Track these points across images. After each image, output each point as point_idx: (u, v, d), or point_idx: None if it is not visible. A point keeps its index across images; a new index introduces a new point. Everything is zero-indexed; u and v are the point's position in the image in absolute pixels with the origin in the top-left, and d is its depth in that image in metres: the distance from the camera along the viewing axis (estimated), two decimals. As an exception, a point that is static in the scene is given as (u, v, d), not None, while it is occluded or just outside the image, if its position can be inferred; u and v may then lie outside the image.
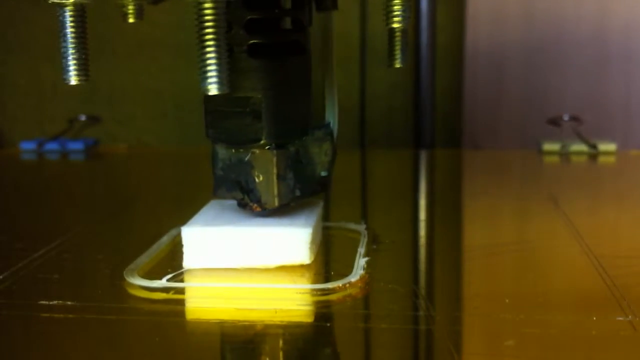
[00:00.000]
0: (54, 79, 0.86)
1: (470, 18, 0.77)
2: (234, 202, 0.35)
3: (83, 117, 0.75)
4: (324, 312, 0.28)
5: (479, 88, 0.78)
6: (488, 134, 0.79)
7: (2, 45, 0.87)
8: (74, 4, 0.27)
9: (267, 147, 0.31)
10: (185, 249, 0.31)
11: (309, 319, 0.28)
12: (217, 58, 0.26)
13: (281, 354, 0.25)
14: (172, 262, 0.32)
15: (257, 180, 0.31)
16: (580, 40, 0.76)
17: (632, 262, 0.33)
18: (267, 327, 0.26)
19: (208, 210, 0.34)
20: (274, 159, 0.31)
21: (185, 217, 0.32)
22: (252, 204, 0.31)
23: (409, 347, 0.26)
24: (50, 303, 0.28)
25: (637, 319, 0.26)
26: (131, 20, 0.32)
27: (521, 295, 0.30)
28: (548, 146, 0.64)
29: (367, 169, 0.64)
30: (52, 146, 0.68)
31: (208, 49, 0.26)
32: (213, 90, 0.26)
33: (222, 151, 0.32)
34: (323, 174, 0.33)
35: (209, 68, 0.26)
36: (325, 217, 0.37)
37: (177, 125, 0.86)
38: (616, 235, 0.39)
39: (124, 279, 0.30)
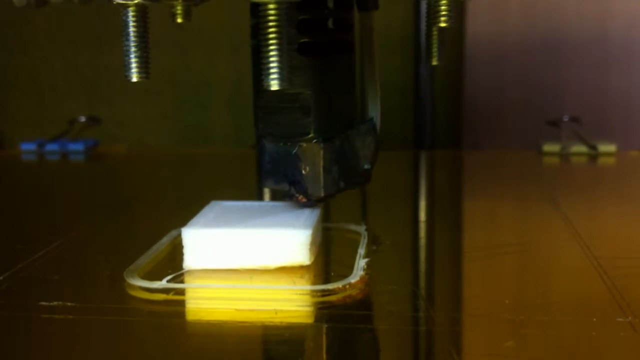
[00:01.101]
0: (54, 80, 0.86)
1: (470, 18, 0.77)
2: (234, 203, 0.35)
3: (83, 118, 0.75)
4: (324, 313, 0.28)
5: (479, 89, 0.78)
6: (488, 135, 0.79)
7: (3, 46, 0.87)
8: (136, 5, 0.28)
9: (314, 141, 0.32)
10: (185, 250, 0.31)
11: (309, 320, 0.28)
12: (279, 56, 0.27)
13: (281, 355, 0.25)
14: (172, 263, 0.32)
15: (304, 172, 0.32)
16: (580, 41, 0.76)
17: (632, 263, 0.33)
18: (267, 328, 0.26)
19: (208, 211, 0.34)
20: (321, 152, 0.32)
21: (185, 218, 0.32)
22: (298, 195, 0.33)
23: (409, 348, 0.26)
24: (51, 304, 0.28)
25: (637, 320, 0.26)
26: (179, 20, 0.33)
27: (521, 296, 0.30)
28: (548, 147, 0.64)
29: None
30: (52, 147, 0.68)
31: (271, 47, 0.27)
32: (275, 85, 0.27)
33: (270, 145, 0.33)
34: (366, 166, 0.34)
35: (272, 65, 0.27)
36: (325, 218, 0.37)
37: (177, 127, 0.86)
38: (616, 237, 0.39)
39: (124, 280, 0.30)
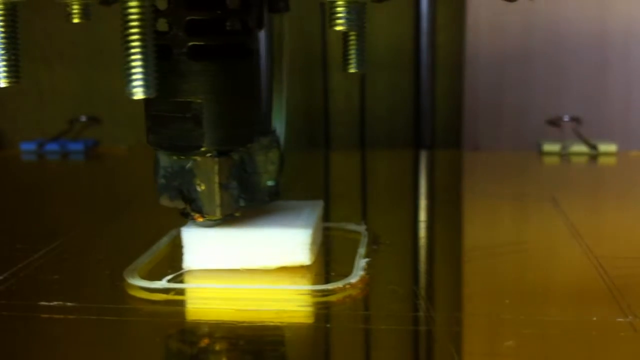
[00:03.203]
0: (53, 80, 0.86)
1: (470, 18, 0.77)
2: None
3: (83, 118, 0.75)
4: (324, 313, 0.28)
5: (479, 88, 0.78)
6: (488, 135, 0.79)
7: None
8: (4, 3, 0.25)
9: (208, 155, 0.29)
10: (185, 250, 0.31)
11: (309, 320, 0.28)
12: (143, 60, 0.24)
13: (281, 355, 0.25)
14: (172, 263, 0.32)
15: (199, 189, 0.30)
16: (580, 41, 0.76)
17: (633, 263, 0.33)
18: (267, 328, 0.26)
19: (208, 211, 0.34)
20: (216, 167, 0.29)
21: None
22: (193, 214, 0.30)
23: (410, 348, 0.26)
24: (50, 304, 0.28)
25: (637, 319, 0.26)
26: (76, 20, 0.30)
27: (521, 295, 0.30)
28: (548, 147, 0.64)
29: (367, 170, 0.64)
30: (52, 147, 0.68)
31: (132, 50, 0.24)
32: (138, 94, 0.24)
33: (164, 158, 0.31)
34: (270, 183, 0.32)
35: (133, 70, 0.24)
36: (326, 217, 0.36)
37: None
38: (616, 236, 0.39)
39: (124, 280, 0.30)
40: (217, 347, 0.26)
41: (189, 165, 0.30)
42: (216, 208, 0.30)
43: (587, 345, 0.25)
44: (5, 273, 0.31)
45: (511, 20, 0.77)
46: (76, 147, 0.68)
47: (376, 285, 0.30)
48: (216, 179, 0.30)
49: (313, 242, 0.31)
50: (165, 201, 0.31)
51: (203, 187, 0.30)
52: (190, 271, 0.31)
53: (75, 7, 0.29)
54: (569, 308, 0.28)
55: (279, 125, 0.33)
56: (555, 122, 0.68)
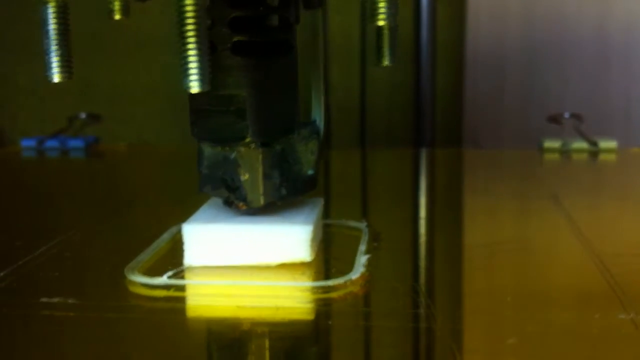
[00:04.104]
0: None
1: (470, 16, 0.77)
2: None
3: (83, 115, 0.74)
4: (324, 310, 0.28)
5: (479, 86, 0.78)
6: (488, 132, 0.79)
7: (2, 43, 0.87)
8: (55, 1, 0.27)
9: (252, 146, 0.31)
10: (186, 247, 0.31)
11: (309, 316, 0.28)
12: (198, 55, 0.25)
13: (282, 351, 0.25)
14: (172, 259, 0.32)
15: (242, 178, 0.31)
16: (581, 38, 0.75)
17: (634, 260, 0.33)
18: (268, 324, 0.26)
19: (209, 208, 0.34)
20: (260, 157, 0.31)
21: (185, 214, 0.32)
22: (237, 202, 0.31)
23: (410, 345, 0.26)
24: (51, 301, 0.28)
25: (639, 317, 0.26)
26: (117, 17, 0.31)
27: (522, 293, 0.30)
28: (549, 144, 0.64)
29: (367, 168, 0.64)
30: (52, 144, 0.68)
31: (189, 46, 0.25)
32: (194, 88, 0.26)
33: (207, 149, 0.32)
34: (309, 172, 0.33)
35: (190, 65, 0.25)
36: (326, 214, 0.36)
37: (177, 123, 0.86)
38: (617, 233, 0.39)
39: (125, 277, 0.30)
40: (218, 344, 0.26)
41: (233, 155, 0.31)
42: (259, 196, 0.31)
43: (589, 342, 0.25)
44: (6, 270, 0.31)
45: (512, 18, 0.76)
46: (76, 143, 0.68)
47: (377, 282, 0.30)
48: (260, 169, 0.31)
49: (313, 239, 0.31)
50: (208, 190, 0.32)
51: (247, 177, 0.31)
52: (190, 268, 0.31)
53: (116, 3, 0.31)
54: (570, 306, 0.28)
55: (318, 116, 0.34)
56: (555, 119, 0.68)
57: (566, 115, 0.68)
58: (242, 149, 0.31)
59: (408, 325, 0.26)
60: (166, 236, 0.35)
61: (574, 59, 0.76)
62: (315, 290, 0.29)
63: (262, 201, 0.31)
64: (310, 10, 0.33)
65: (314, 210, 0.33)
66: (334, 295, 0.28)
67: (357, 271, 0.30)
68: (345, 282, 0.29)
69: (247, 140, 0.30)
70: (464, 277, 0.33)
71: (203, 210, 0.33)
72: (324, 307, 0.28)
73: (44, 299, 0.28)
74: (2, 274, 0.31)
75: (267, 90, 0.31)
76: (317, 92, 0.34)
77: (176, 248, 0.33)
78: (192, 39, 0.25)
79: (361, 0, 0.29)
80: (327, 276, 0.30)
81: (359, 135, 0.83)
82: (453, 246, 0.38)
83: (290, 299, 0.28)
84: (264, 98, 0.30)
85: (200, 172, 0.32)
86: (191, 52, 0.25)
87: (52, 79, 0.27)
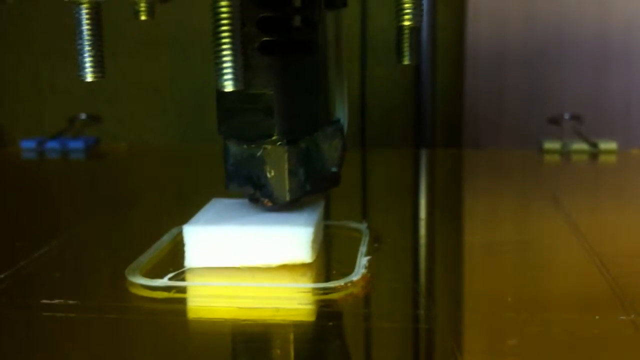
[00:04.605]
0: (53, 78, 0.86)
1: (471, 16, 0.77)
2: (235, 201, 0.35)
3: (83, 116, 0.74)
4: (325, 311, 0.28)
5: (479, 87, 0.78)
6: (488, 133, 0.79)
7: (2, 43, 0.87)
8: (89, 2, 0.27)
9: (278, 143, 0.31)
10: (187, 248, 0.31)
11: (310, 318, 0.28)
12: (233, 55, 0.26)
13: (283, 353, 0.25)
14: (173, 261, 0.32)
15: (268, 175, 0.32)
16: (581, 39, 0.75)
17: (634, 261, 0.33)
18: (269, 326, 0.26)
19: (209, 209, 0.34)
20: (286, 155, 0.31)
21: (186, 215, 0.32)
22: (263, 199, 0.32)
23: (411, 346, 0.26)
24: (52, 302, 0.28)
25: (640, 318, 0.26)
26: (143, 17, 0.32)
27: (523, 294, 0.30)
28: (549, 145, 0.64)
29: (367, 168, 0.64)
30: (52, 145, 0.68)
31: (224, 46, 0.26)
32: (229, 87, 0.26)
33: (233, 147, 0.32)
34: (333, 169, 0.33)
35: (225, 65, 0.26)
36: (327, 216, 0.36)
37: (177, 123, 0.86)
38: (617, 234, 0.39)
39: (126, 278, 0.30)
40: (219, 345, 0.26)
41: (259, 153, 0.32)
42: (285, 193, 0.32)
43: (590, 343, 0.25)
44: (7, 271, 0.31)
45: (512, 18, 0.76)
46: (76, 145, 0.68)
47: (377, 283, 0.30)
48: (285, 166, 0.32)
49: (314, 240, 0.31)
50: (234, 187, 0.33)
51: (273, 174, 0.32)
52: (191, 269, 0.31)
53: (142, 5, 0.32)
54: (571, 307, 0.28)
55: (342, 115, 0.35)
56: (555, 120, 0.68)
57: (566, 116, 0.68)
58: (269, 147, 0.32)
59: (409, 326, 0.26)
60: (167, 237, 0.35)
61: (574, 60, 0.76)
62: (316, 291, 0.29)
63: (287, 197, 0.32)
64: (333, 11, 0.34)
65: (315, 212, 0.33)
66: (334, 296, 0.28)
67: (358, 272, 0.30)
68: (346, 284, 0.29)
69: (274, 138, 0.31)
70: (464, 278, 0.33)
71: (204, 212, 0.33)
72: (324, 309, 0.28)
73: (45, 301, 0.28)
74: (2, 275, 0.31)
75: (293, 89, 0.32)
76: (340, 91, 0.35)
77: (177, 249, 0.33)
78: (227, 39, 0.26)
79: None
80: (327, 278, 0.30)
81: (359, 135, 0.83)
82: (453, 247, 0.38)
83: (291, 300, 0.28)
84: (290, 96, 0.31)
85: (226, 169, 0.33)
86: (226, 52, 0.26)
87: (84, 78, 0.28)
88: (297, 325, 0.27)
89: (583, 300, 0.29)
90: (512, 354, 0.24)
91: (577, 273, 0.32)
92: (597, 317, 0.26)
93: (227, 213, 0.33)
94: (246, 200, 0.35)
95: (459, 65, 0.79)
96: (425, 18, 0.77)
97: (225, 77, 0.26)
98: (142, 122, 0.86)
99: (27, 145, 0.68)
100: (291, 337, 0.26)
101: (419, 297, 0.28)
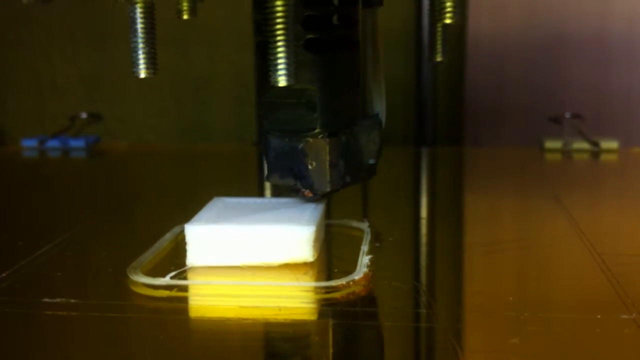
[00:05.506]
0: (54, 77, 0.86)
1: (472, 14, 0.77)
2: (237, 200, 0.35)
3: (84, 115, 0.74)
4: (327, 310, 0.28)
5: (480, 85, 0.78)
6: (490, 132, 0.79)
7: (3, 42, 0.87)
8: (143, 1, 0.28)
9: (320, 136, 0.32)
10: (188, 247, 0.31)
11: (312, 316, 0.28)
12: (287, 52, 0.27)
13: (285, 352, 0.25)
14: (175, 259, 0.32)
15: (310, 167, 0.32)
16: (582, 38, 0.75)
17: (636, 260, 0.33)
18: (271, 325, 0.26)
19: (211, 208, 0.34)
20: (327, 147, 0.32)
21: (187, 214, 0.32)
22: (304, 190, 0.33)
23: (413, 345, 0.26)
24: (53, 301, 0.28)
25: (641, 316, 0.26)
26: (185, 17, 0.33)
27: (524, 293, 0.30)
28: (550, 144, 0.64)
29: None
30: (53, 143, 0.68)
31: (279, 43, 0.27)
32: (282, 81, 0.27)
33: (274, 140, 0.33)
34: (371, 161, 0.34)
35: (279, 61, 0.27)
36: (328, 214, 0.36)
37: (178, 122, 0.86)
38: (619, 233, 0.39)
39: (127, 277, 0.30)
40: (221, 344, 0.26)
41: (301, 145, 0.32)
42: (326, 184, 0.33)
43: (591, 343, 0.25)
44: (8, 270, 0.31)
45: (513, 17, 0.76)
46: (77, 143, 0.68)
47: (379, 282, 0.30)
48: (327, 158, 0.32)
49: (316, 239, 0.31)
50: (275, 179, 0.34)
51: (314, 165, 0.32)
52: (193, 268, 0.31)
53: (184, 4, 0.33)
54: (572, 305, 0.28)
55: (379, 109, 0.36)
56: (556, 119, 0.68)
57: (567, 115, 0.68)
58: (310, 140, 0.32)
59: (410, 324, 0.26)
60: (168, 236, 0.35)
61: (575, 58, 0.76)
62: (317, 290, 0.29)
63: (328, 188, 0.33)
64: (369, 9, 0.35)
65: (317, 211, 0.33)
66: (336, 295, 0.28)
67: (360, 271, 0.30)
68: (348, 282, 0.29)
69: (316, 131, 0.32)
70: (466, 277, 0.33)
71: (206, 211, 0.33)
72: (326, 307, 0.28)
73: (46, 299, 0.28)
74: (4, 274, 0.31)
75: (335, 84, 0.33)
76: (377, 86, 0.36)
77: (179, 248, 0.33)
78: (281, 37, 0.27)
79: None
80: (329, 276, 0.30)
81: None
82: (455, 246, 0.38)
83: (292, 299, 0.28)
84: (332, 91, 0.33)
85: (267, 162, 0.34)
86: (280, 49, 0.27)
87: (138, 74, 0.29)
88: (299, 324, 0.27)
89: (584, 299, 0.29)
90: (513, 353, 0.24)
91: (578, 272, 0.32)
92: (598, 316, 0.26)
93: (228, 212, 0.33)
94: (248, 199, 0.35)
95: (460, 64, 0.79)
96: (426, 15, 0.77)
97: (280, 72, 0.27)
98: (143, 120, 0.86)
99: (28, 143, 0.68)
100: (293, 335, 0.26)
101: (420, 296, 0.29)
